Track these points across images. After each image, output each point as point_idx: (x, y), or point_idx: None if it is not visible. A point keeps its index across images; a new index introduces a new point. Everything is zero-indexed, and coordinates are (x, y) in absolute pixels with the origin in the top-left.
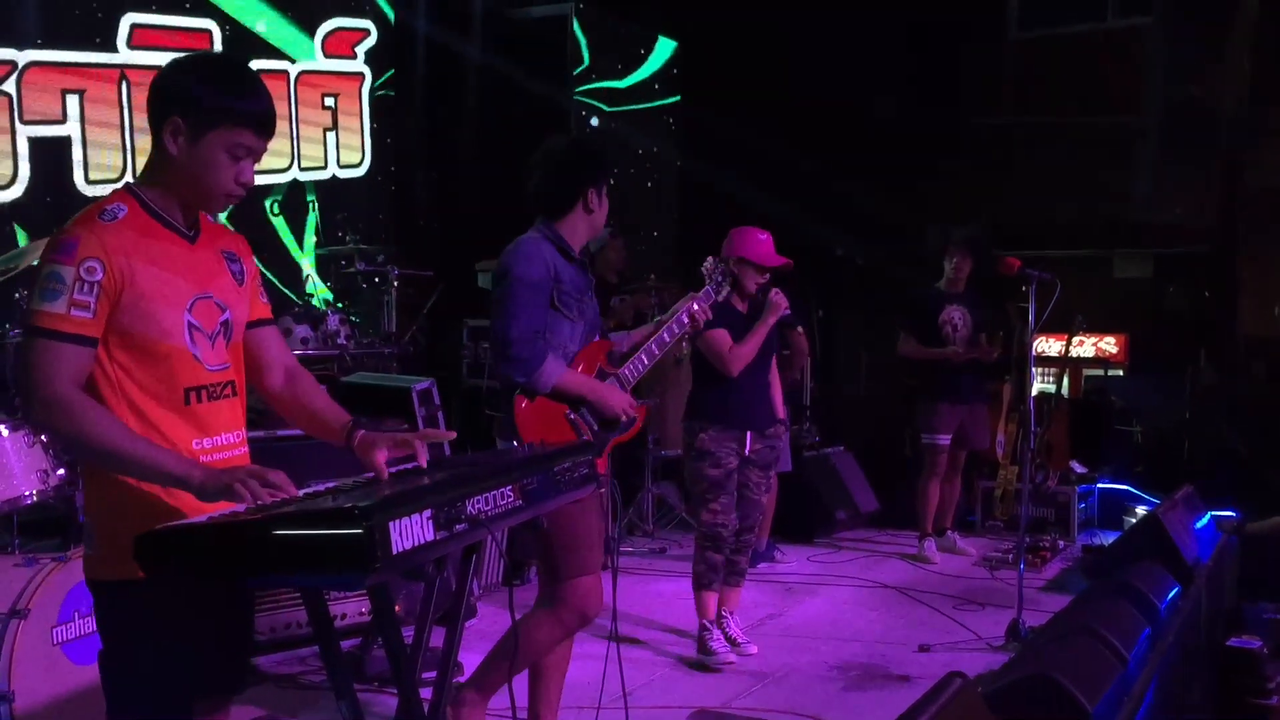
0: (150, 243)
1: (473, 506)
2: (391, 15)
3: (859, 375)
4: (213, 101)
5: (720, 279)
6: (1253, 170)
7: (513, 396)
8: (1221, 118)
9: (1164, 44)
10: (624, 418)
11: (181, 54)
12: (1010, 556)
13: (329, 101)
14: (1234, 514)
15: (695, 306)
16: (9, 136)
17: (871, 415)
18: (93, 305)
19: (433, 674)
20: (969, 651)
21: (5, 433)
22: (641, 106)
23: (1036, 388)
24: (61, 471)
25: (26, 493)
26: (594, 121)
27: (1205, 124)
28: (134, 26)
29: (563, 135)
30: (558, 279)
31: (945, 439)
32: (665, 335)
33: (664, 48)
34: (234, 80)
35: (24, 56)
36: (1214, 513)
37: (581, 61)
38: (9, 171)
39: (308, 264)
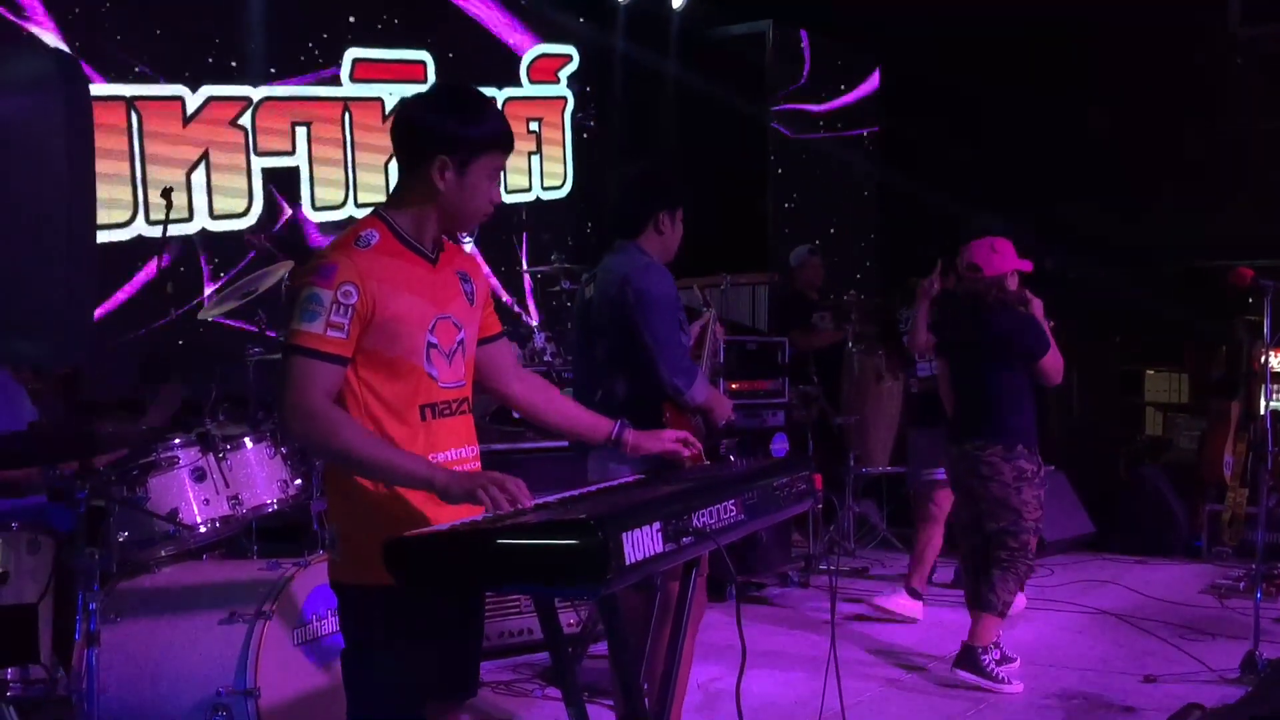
0: (399, 267)
1: (699, 519)
2: (590, 39)
3: (1070, 393)
4: (477, 134)
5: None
6: None
7: (659, 404)
8: None
9: None
10: (722, 423)
11: (410, 89)
12: (1242, 585)
13: (533, 126)
14: None
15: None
16: (244, 169)
17: (1085, 435)
18: (346, 327)
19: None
20: (1199, 684)
21: (249, 444)
22: (843, 126)
23: (1272, 404)
24: (299, 481)
25: (269, 501)
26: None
27: None
28: (355, 61)
29: (642, 162)
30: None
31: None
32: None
33: (870, 74)
34: (483, 109)
35: (258, 93)
36: None
37: (785, 80)
38: (245, 201)
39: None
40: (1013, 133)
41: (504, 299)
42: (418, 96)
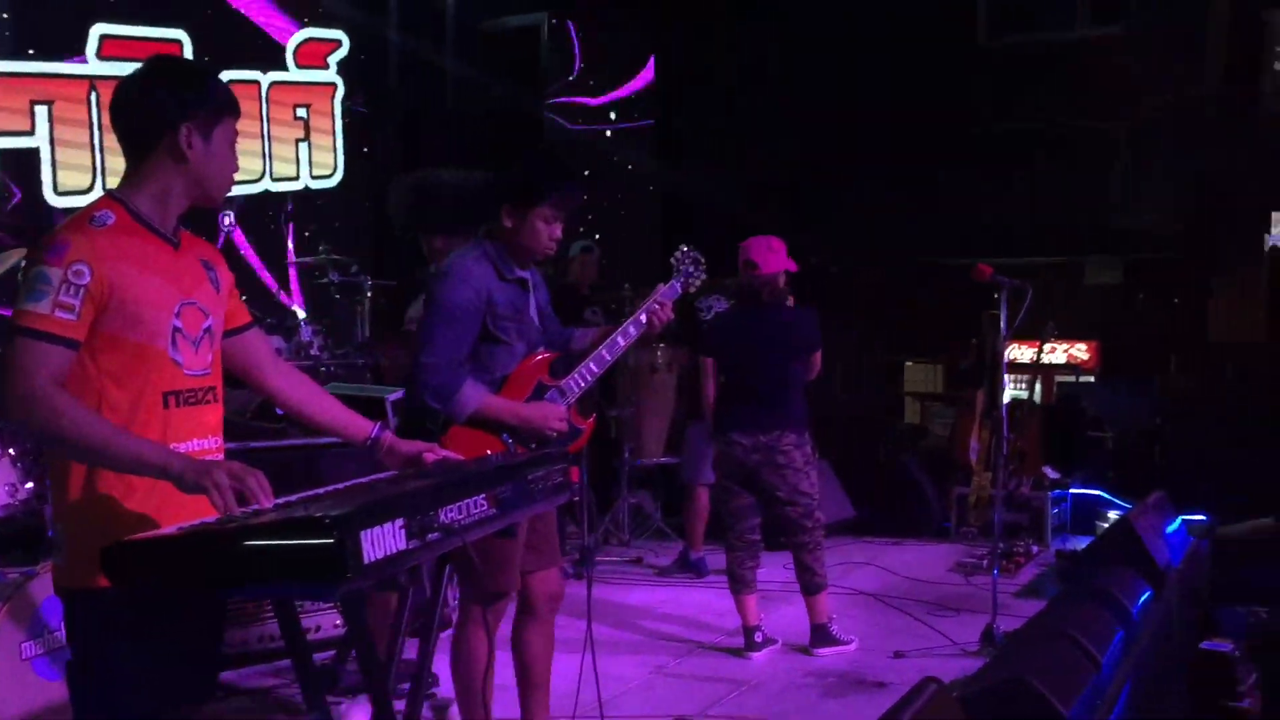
0: (139, 248)
1: (446, 515)
2: (361, 26)
3: (833, 384)
4: (214, 99)
5: (692, 270)
6: (1221, 177)
7: (439, 420)
8: (1192, 126)
9: (1135, 52)
10: (553, 435)
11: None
12: (984, 562)
13: (301, 112)
14: (1205, 518)
15: (655, 305)
16: None
17: (848, 423)
18: (77, 308)
19: (407, 685)
20: (944, 657)
21: None
22: (618, 118)
23: (1009, 394)
24: (30, 485)
25: None
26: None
27: (1176, 132)
28: (103, 37)
29: (527, 148)
30: (491, 302)
31: None
32: (620, 339)
33: (645, 67)
34: (207, 76)
35: None
36: (1185, 517)
37: (559, 72)
38: None
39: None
40: (781, 131)
41: (271, 289)
42: (139, 74)
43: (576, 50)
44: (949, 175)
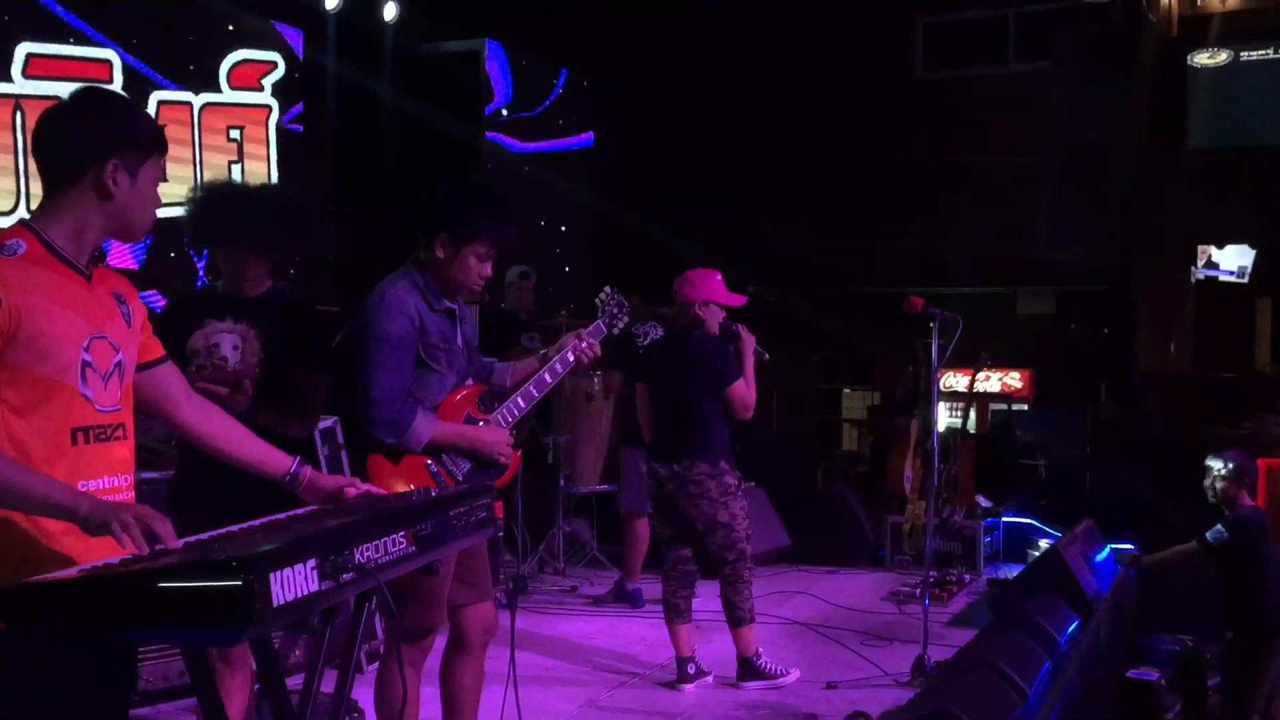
0: (50, 279)
1: (361, 554)
2: (298, 51)
3: (771, 411)
4: (143, 135)
5: (616, 311)
6: (1149, 211)
7: (366, 454)
8: (1119, 160)
9: (1064, 88)
10: (502, 460)
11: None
12: (917, 591)
13: (234, 134)
14: (1133, 547)
15: (584, 344)
16: None
17: (784, 450)
18: None
19: None
20: (876, 688)
21: None
22: (554, 146)
23: (943, 423)
24: None
25: None
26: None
27: (1104, 165)
28: (30, 56)
29: (458, 175)
30: (423, 331)
31: None
32: (547, 376)
33: (580, 94)
34: (138, 111)
35: None
36: (1113, 546)
37: (494, 98)
38: None
39: None
40: (719, 160)
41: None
42: (66, 104)
43: (506, 76)
44: (883, 206)
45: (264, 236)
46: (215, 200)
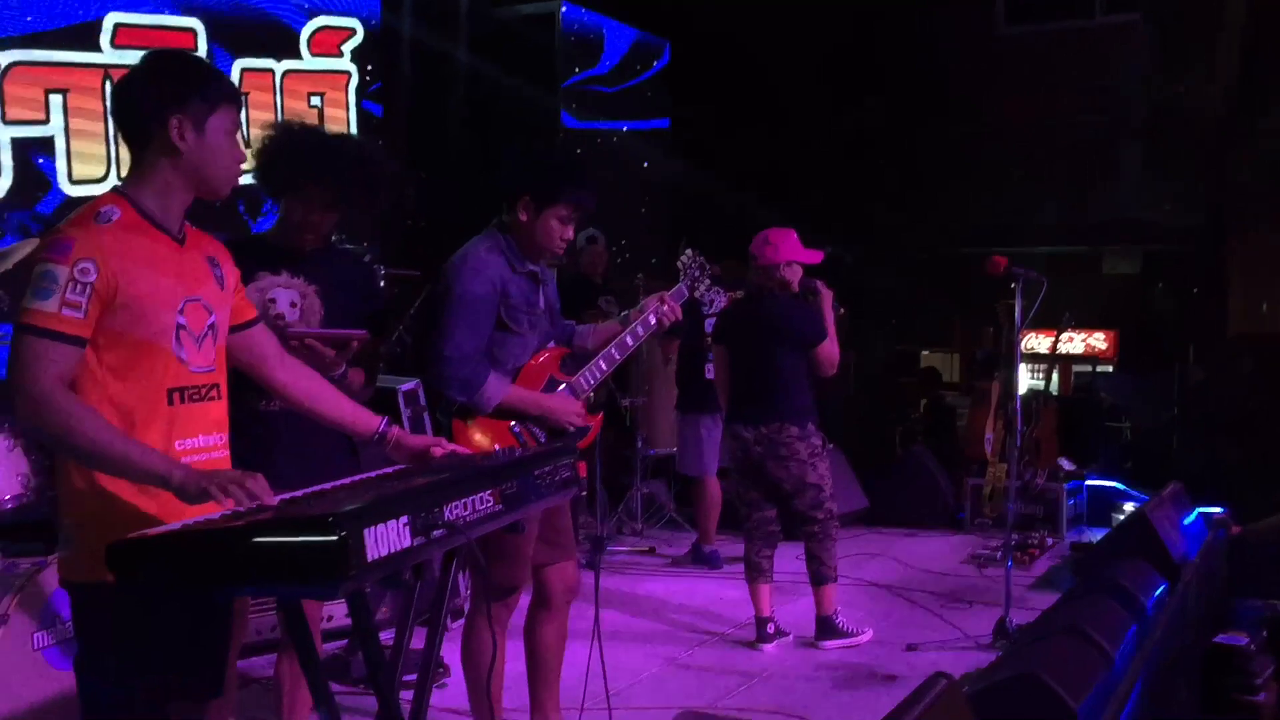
0: (144, 245)
1: (451, 512)
2: (376, 17)
3: (847, 374)
4: (206, 89)
5: (697, 274)
6: (1239, 167)
7: (451, 415)
8: (1209, 114)
9: (1152, 41)
10: (571, 429)
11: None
12: (998, 554)
13: (315, 100)
14: (1222, 510)
15: (665, 307)
16: None
17: (862, 413)
18: (84, 306)
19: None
20: (957, 650)
21: None
22: (632, 109)
23: (1025, 385)
24: (42, 475)
25: (6, 497)
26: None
27: (1193, 121)
28: (118, 25)
29: (536, 140)
30: (505, 294)
31: None
32: (629, 339)
33: (661, 58)
34: (202, 66)
35: (7, 56)
36: (1202, 509)
37: (570, 61)
38: None
39: None
40: (797, 125)
41: None
42: (133, 70)
43: (601, 40)
44: (967, 165)
45: (346, 188)
46: (301, 144)
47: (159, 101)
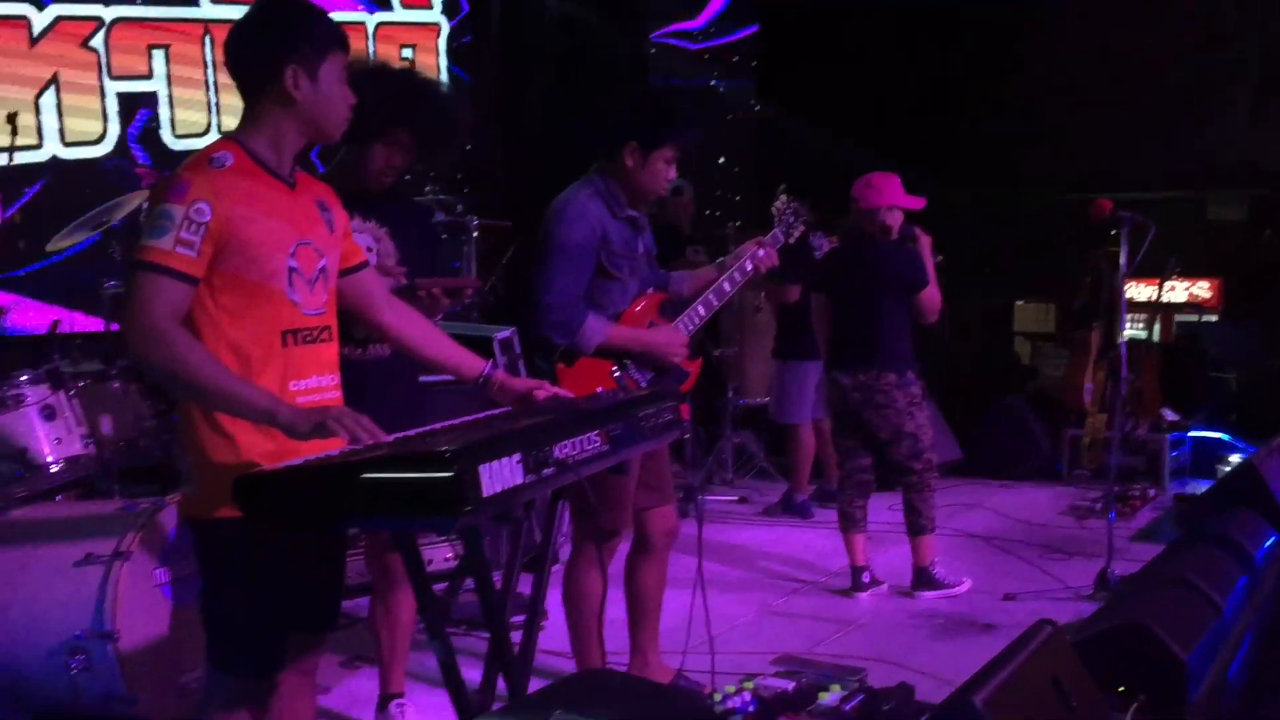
0: (256, 189)
1: (561, 451)
2: None
3: (942, 323)
4: (317, 35)
5: (792, 219)
6: None
7: (553, 360)
8: None
9: None
10: (678, 360)
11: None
12: (1098, 506)
13: (406, 53)
14: None
15: (761, 253)
16: (98, 93)
17: (955, 364)
18: (197, 245)
19: (519, 618)
20: (1056, 601)
21: (103, 380)
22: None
23: (1127, 333)
24: (158, 417)
25: (124, 438)
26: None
27: None
28: None
29: (636, 85)
30: (606, 239)
31: None
32: (725, 285)
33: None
34: (312, 11)
35: (110, 12)
36: None
37: (665, 7)
38: (99, 128)
39: None
40: (884, 71)
41: None
42: (244, 19)
43: None
44: (1064, 109)
45: (434, 131)
46: (394, 87)
47: (273, 52)
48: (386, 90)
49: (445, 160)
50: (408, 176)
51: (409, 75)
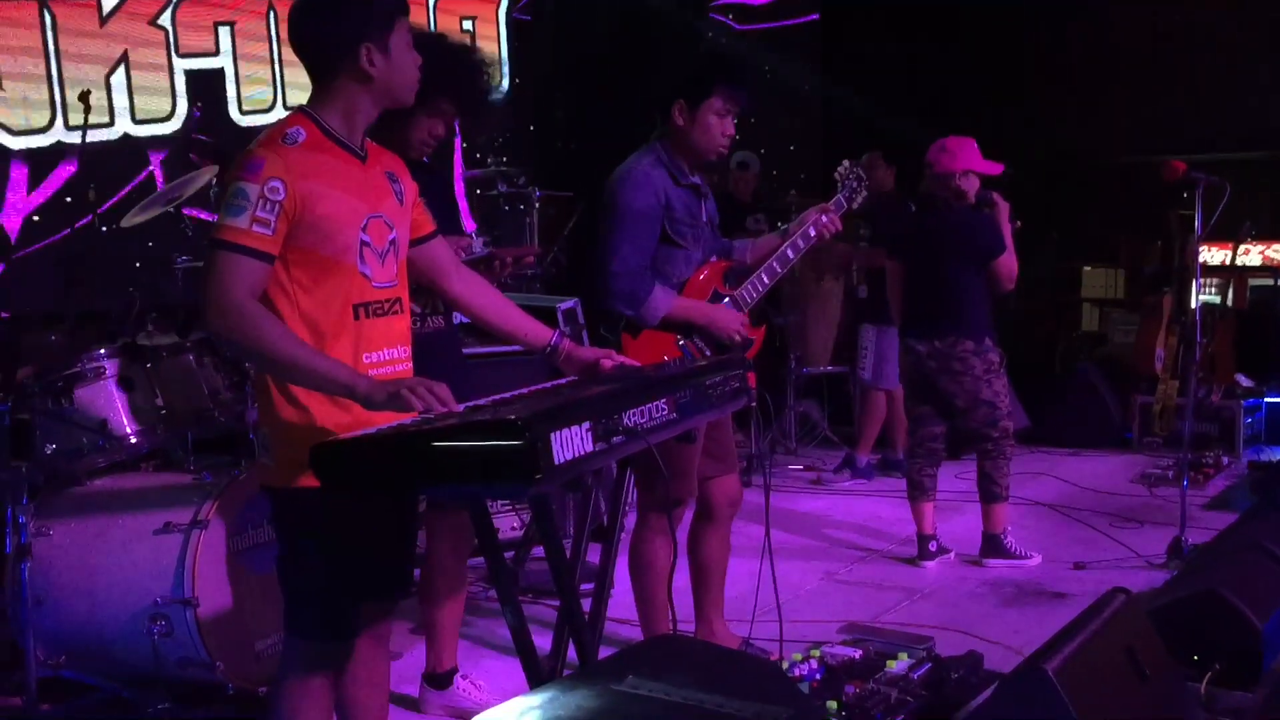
0: (329, 164)
1: (630, 419)
2: None
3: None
4: (382, 8)
5: (855, 185)
6: None
7: (619, 329)
8: None
9: None
10: (737, 339)
11: None
12: (1170, 473)
13: (467, 25)
14: None
15: (824, 219)
16: (166, 71)
17: (1023, 331)
18: (273, 223)
19: (587, 585)
20: (1128, 569)
21: (179, 353)
22: (777, 25)
23: (1200, 298)
24: (233, 389)
25: (201, 410)
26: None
27: None
28: None
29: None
30: (669, 207)
31: None
32: (789, 252)
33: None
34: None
35: None
36: None
37: None
38: (168, 106)
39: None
40: (946, 30)
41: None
42: (306, 2)
43: None
44: (1132, 67)
45: (476, 106)
46: (441, 58)
47: (343, 34)
48: (432, 60)
49: (482, 133)
50: (477, 154)
51: (449, 44)
